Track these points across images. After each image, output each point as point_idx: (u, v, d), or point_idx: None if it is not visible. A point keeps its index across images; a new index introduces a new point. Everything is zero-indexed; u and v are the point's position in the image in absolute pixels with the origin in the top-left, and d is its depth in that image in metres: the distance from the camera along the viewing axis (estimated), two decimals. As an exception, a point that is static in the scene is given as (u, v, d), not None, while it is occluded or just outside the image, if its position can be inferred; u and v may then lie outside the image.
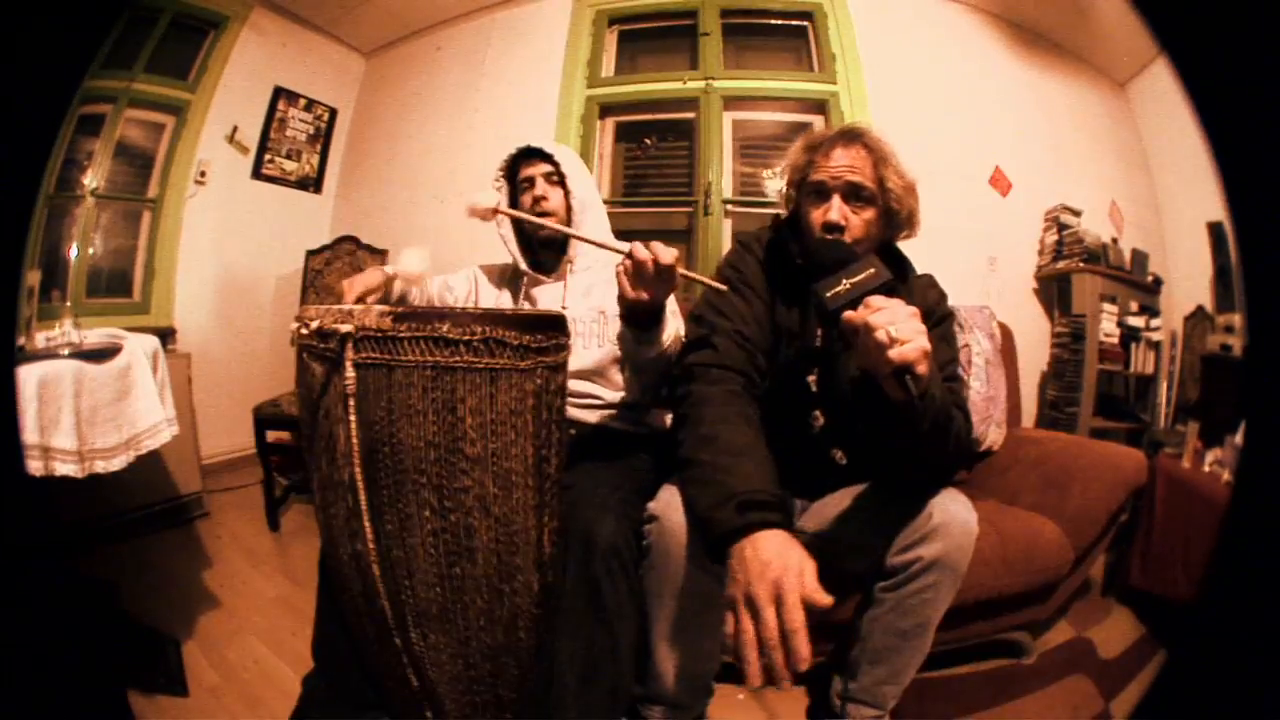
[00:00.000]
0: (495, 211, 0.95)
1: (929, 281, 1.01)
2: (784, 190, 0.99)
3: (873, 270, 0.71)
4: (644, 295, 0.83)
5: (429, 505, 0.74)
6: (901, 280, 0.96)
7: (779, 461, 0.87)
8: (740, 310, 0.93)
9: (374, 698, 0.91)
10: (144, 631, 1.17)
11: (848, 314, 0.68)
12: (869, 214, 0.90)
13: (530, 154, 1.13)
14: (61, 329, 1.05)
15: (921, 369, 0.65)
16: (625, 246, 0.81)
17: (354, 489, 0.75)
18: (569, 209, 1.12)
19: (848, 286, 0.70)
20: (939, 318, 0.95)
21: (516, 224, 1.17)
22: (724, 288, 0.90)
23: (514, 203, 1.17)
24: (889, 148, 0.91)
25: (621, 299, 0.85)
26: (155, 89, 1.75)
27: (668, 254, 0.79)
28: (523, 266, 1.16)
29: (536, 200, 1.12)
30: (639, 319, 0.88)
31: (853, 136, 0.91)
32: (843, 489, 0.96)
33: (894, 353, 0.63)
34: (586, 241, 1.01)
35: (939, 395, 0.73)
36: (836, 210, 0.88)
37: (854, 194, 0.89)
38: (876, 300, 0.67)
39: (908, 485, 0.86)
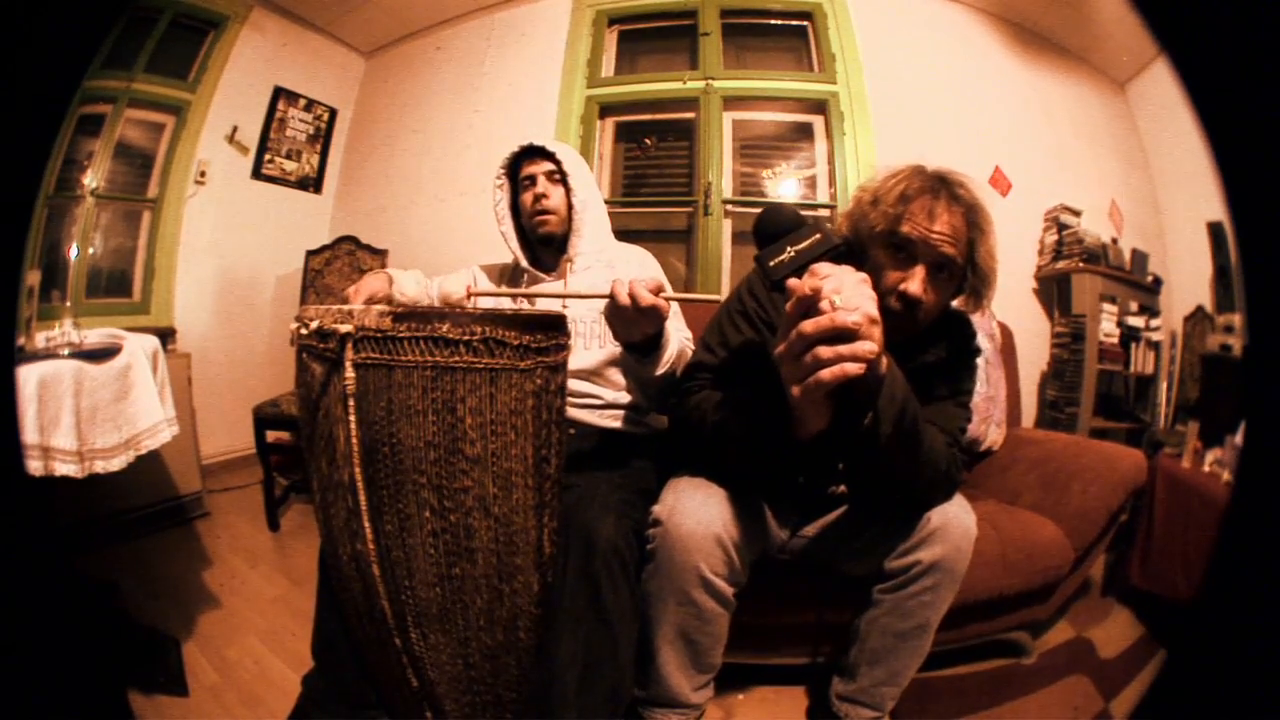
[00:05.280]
0: (470, 295, 0.92)
1: (963, 319, 0.91)
2: (848, 220, 0.85)
3: (818, 236, 0.68)
4: (633, 336, 0.83)
5: (429, 505, 0.74)
6: (971, 357, 0.90)
7: (778, 495, 0.86)
8: (753, 350, 0.85)
9: (374, 698, 0.91)
10: (144, 631, 1.16)
11: (791, 282, 0.63)
12: (948, 289, 0.81)
13: (532, 152, 1.14)
14: (61, 329, 1.05)
15: (870, 342, 0.59)
16: (606, 290, 0.78)
17: (354, 489, 0.75)
18: (570, 207, 1.13)
19: (791, 254, 0.67)
20: (961, 358, 0.89)
21: (517, 221, 1.18)
22: (717, 298, 0.88)
23: (515, 200, 1.18)
24: (989, 214, 0.80)
25: (615, 335, 0.85)
26: (155, 89, 1.75)
27: (646, 295, 0.74)
28: (524, 264, 1.16)
29: (537, 198, 1.13)
30: (637, 346, 0.87)
31: (956, 196, 0.79)
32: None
33: (835, 317, 0.58)
34: (568, 297, 1.02)
35: (901, 395, 0.69)
36: (919, 282, 0.77)
37: (942, 267, 0.79)
38: (822, 267, 0.62)
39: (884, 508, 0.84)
